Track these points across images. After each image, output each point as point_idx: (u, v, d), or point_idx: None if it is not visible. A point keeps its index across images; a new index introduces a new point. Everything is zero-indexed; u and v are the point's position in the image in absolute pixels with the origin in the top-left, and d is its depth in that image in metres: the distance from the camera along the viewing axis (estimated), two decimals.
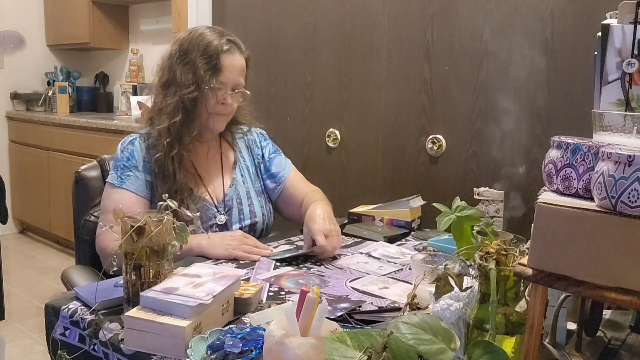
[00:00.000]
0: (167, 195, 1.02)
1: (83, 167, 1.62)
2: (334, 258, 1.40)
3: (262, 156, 1.66)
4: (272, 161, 1.66)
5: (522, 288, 0.76)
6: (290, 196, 1.62)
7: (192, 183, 1.50)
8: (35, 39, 4.43)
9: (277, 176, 1.64)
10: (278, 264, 1.34)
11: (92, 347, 0.98)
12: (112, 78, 4.58)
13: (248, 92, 1.54)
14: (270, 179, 1.64)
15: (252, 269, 1.29)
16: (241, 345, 0.83)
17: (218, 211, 1.51)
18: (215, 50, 1.45)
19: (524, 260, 0.72)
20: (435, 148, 2.10)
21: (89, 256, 1.55)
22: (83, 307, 1.04)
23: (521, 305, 0.75)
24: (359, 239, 1.60)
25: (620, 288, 0.64)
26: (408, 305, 0.91)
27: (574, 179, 0.76)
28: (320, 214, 1.41)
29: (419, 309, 0.92)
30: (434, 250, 1.43)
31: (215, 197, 1.53)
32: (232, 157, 1.61)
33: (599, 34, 0.86)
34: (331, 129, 2.40)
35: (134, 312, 0.91)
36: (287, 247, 1.48)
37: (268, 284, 1.19)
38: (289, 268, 1.31)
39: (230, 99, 1.48)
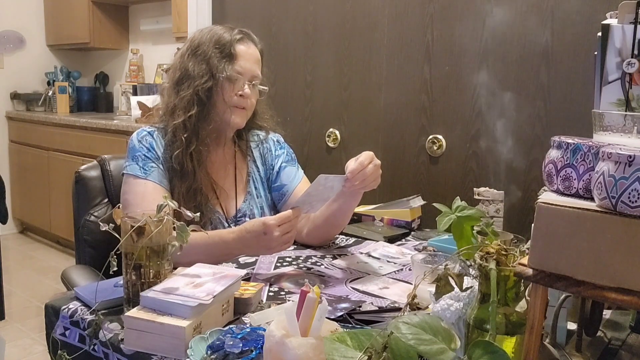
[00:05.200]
0: (168, 196, 1.02)
1: (83, 167, 1.62)
2: (334, 258, 1.40)
3: (273, 167, 1.57)
4: (282, 172, 1.56)
5: (522, 288, 0.76)
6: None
7: (207, 189, 1.44)
8: (35, 39, 4.44)
9: (282, 189, 1.54)
10: (278, 264, 1.34)
11: (92, 347, 0.97)
12: (112, 78, 4.58)
13: (266, 88, 1.49)
14: (276, 192, 1.56)
15: (253, 269, 1.29)
16: (241, 345, 0.83)
17: (229, 226, 1.45)
18: (229, 40, 1.42)
19: (524, 260, 0.72)
20: (435, 148, 2.09)
21: (89, 256, 1.54)
22: (83, 307, 1.04)
23: (521, 305, 0.75)
24: (359, 239, 1.60)
25: (620, 288, 0.64)
26: (408, 305, 0.91)
27: (574, 179, 0.76)
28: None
29: (419, 309, 0.92)
30: (434, 250, 1.43)
31: (226, 211, 1.48)
32: (245, 169, 1.55)
33: (599, 34, 0.87)
34: (331, 129, 2.39)
35: (134, 312, 0.91)
36: (291, 247, 1.48)
37: (268, 284, 1.19)
38: (289, 268, 1.31)
39: (248, 89, 1.42)
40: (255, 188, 1.54)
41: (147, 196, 1.32)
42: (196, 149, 1.39)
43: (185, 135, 1.38)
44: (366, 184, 1.30)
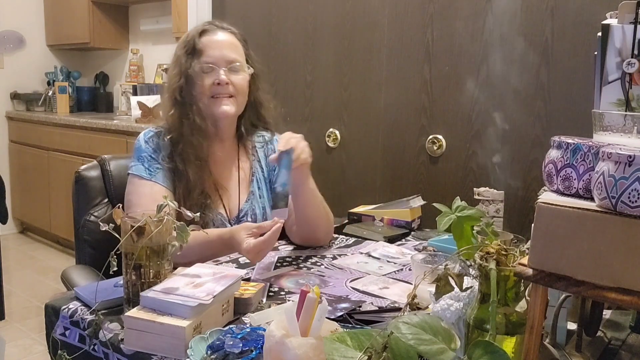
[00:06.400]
0: (167, 196, 1.02)
1: (83, 167, 1.62)
2: (334, 258, 1.40)
3: (275, 168, 1.58)
4: None
5: (522, 288, 0.76)
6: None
7: (209, 190, 1.44)
8: (35, 39, 4.44)
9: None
10: (278, 264, 1.34)
11: (92, 347, 0.97)
12: (112, 78, 4.58)
13: (250, 69, 1.48)
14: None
15: (253, 269, 1.29)
16: (241, 345, 0.83)
17: (231, 226, 1.44)
18: (192, 36, 1.45)
19: (524, 260, 0.72)
20: (435, 148, 2.09)
21: (89, 256, 1.54)
22: (83, 307, 1.04)
23: (521, 305, 0.75)
24: (359, 239, 1.60)
25: (620, 288, 0.64)
26: (408, 305, 0.91)
27: (574, 179, 0.76)
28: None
29: (419, 309, 0.92)
30: (434, 250, 1.43)
31: (229, 211, 1.48)
32: (249, 168, 1.55)
33: (599, 34, 0.86)
34: (331, 129, 2.40)
35: (134, 312, 0.91)
36: (290, 247, 1.49)
37: (268, 284, 1.19)
38: (289, 268, 1.31)
39: (224, 76, 1.41)
40: (259, 188, 1.54)
41: (150, 197, 1.32)
42: (184, 150, 1.41)
43: (169, 137, 1.41)
44: (297, 155, 1.30)
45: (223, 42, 1.45)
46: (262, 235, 1.23)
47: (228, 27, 1.50)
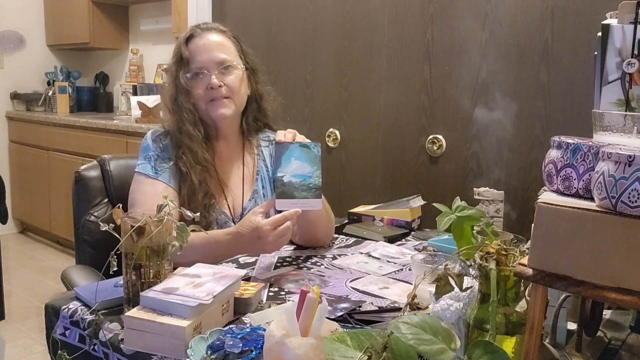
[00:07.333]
0: (167, 196, 1.02)
1: (83, 167, 1.62)
2: (334, 258, 1.40)
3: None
4: None
5: (522, 288, 0.76)
6: None
7: (215, 189, 1.44)
8: (35, 39, 4.44)
9: None
10: (278, 264, 1.34)
11: (92, 347, 0.98)
12: (112, 78, 4.58)
13: (241, 66, 1.46)
14: None
15: (253, 269, 1.29)
16: (241, 345, 0.83)
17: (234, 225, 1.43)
18: (178, 46, 1.45)
19: (524, 260, 0.72)
20: (435, 148, 2.09)
21: (89, 256, 1.54)
22: (83, 307, 1.04)
23: (521, 305, 0.75)
24: (359, 239, 1.60)
25: (620, 288, 0.64)
26: (408, 305, 0.91)
27: (574, 179, 0.76)
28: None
29: (419, 309, 0.92)
30: (434, 250, 1.43)
31: (233, 210, 1.47)
32: (254, 166, 1.55)
33: (599, 34, 0.86)
34: (331, 129, 2.40)
35: (134, 312, 0.91)
36: (291, 247, 1.49)
37: (268, 284, 1.19)
38: (289, 268, 1.31)
39: (216, 79, 1.40)
40: (263, 187, 1.54)
41: (154, 196, 1.32)
42: (185, 153, 1.40)
43: (165, 142, 1.42)
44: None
45: (210, 45, 1.44)
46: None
47: (215, 26, 1.49)
